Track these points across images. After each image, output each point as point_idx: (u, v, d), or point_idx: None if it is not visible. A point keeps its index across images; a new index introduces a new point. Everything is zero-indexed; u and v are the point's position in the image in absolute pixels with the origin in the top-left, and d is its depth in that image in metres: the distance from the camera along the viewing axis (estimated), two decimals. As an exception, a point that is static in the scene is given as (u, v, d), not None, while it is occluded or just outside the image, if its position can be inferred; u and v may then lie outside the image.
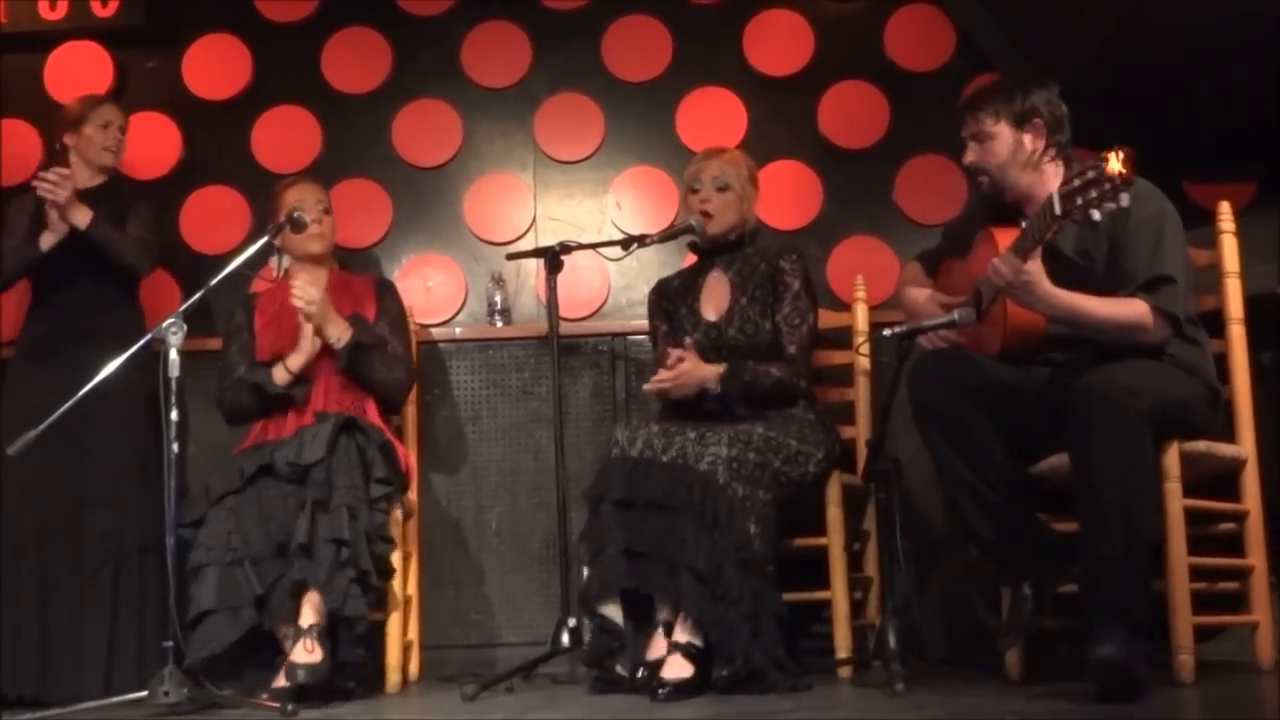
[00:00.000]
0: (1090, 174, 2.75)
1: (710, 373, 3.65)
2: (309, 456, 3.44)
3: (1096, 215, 2.76)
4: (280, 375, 3.77)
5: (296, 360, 3.77)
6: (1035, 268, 2.98)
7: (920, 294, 3.52)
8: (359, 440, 3.49)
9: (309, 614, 3.36)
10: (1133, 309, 3.06)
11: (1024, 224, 2.98)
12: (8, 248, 4.02)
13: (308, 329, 3.76)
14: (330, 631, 3.39)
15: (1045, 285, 2.99)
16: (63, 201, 3.84)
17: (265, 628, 3.43)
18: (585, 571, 3.51)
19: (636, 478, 3.39)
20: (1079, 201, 2.77)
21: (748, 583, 3.25)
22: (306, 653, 3.31)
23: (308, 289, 3.70)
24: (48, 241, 3.92)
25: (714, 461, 3.34)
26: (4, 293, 4.14)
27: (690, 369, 3.65)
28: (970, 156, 3.31)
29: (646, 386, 3.71)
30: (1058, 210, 2.81)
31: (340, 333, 3.76)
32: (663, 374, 3.67)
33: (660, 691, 3.17)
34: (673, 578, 3.27)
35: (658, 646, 3.33)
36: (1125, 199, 2.73)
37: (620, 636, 3.42)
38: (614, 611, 3.41)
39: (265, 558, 3.42)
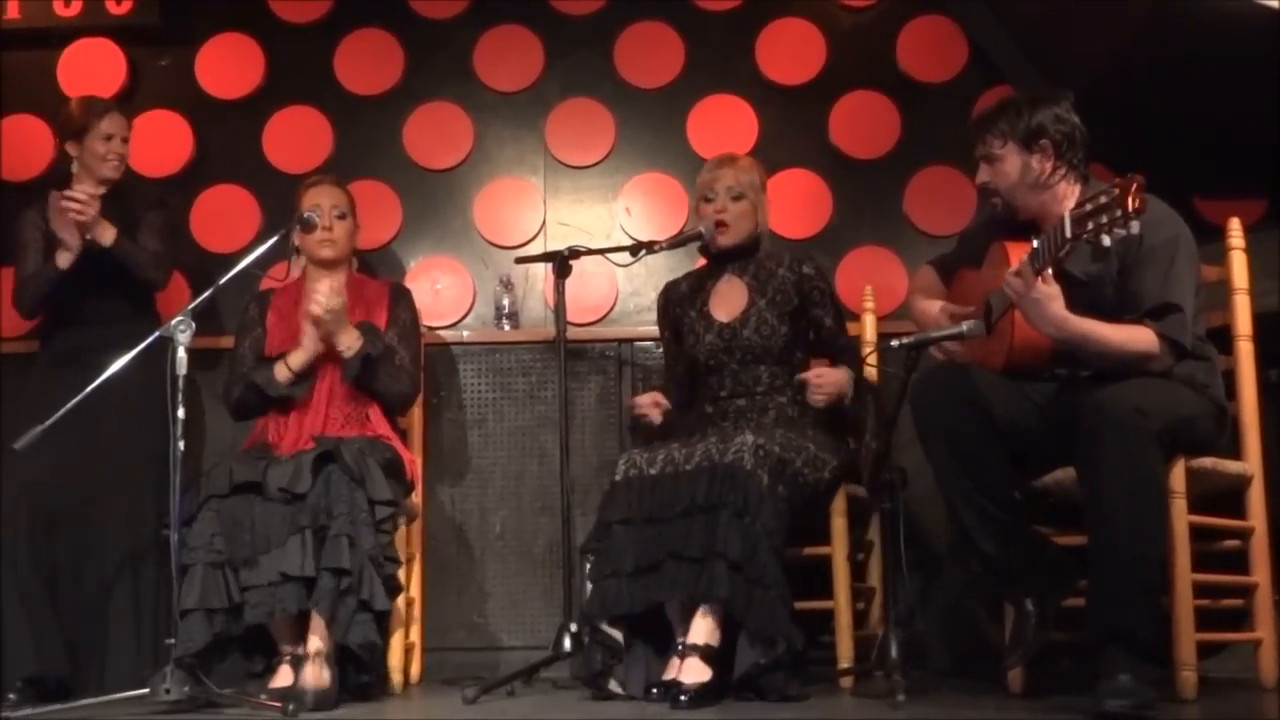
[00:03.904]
0: (1103, 199, 2.75)
1: (845, 380, 3.69)
2: (301, 486, 3.42)
3: (1107, 241, 2.76)
4: (281, 373, 3.75)
5: (298, 359, 3.75)
6: (1053, 290, 2.96)
7: (931, 305, 3.50)
8: (348, 465, 3.44)
9: (316, 639, 3.36)
10: (1141, 337, 3.03)
11: (1035, 243, 2.96)
12: (32, 272, 4.01)
13: (311, 329, 3.73)
14: (338, 654, 3.39)
15: (1057, 307, 2.97)
16: (89, 221, 3.85)
17: (230, 634, 3.42)
18: (588, 587, 3.50)
19: (660, 494, 3.39)
20: (1090, 226, 2.77)
21: (779, 569, 3.24)
22: (314, 678, 3.31)
23: (331, 299, 3.64)
24: (66, 260, 3.90)
25: (740, 449, 3.33)
26: (33, 317, 4.14)
27: (828, 375, 3.68)
28: (982, 177, 3.29)
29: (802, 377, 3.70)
30: (1069, 233, 2.81)
31: (351, 342, 3.73)
32: (812, 376, 3.68)
33: (682, 698, 3.16)
34: (704, 569, 3.25)
35: (674, 668, 3.31)
36: (1135, 226, 2.73)
37: (616, 653, 3.41)
38: (612, 629, 3.41)
39: (242, 565, 3.42)
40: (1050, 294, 2.96)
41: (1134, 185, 2.70)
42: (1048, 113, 3.19)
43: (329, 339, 3.72)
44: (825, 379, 3.67)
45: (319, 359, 3.77)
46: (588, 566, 3.70)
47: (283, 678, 3.43)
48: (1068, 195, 3.19)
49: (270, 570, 3.40)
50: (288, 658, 3.46)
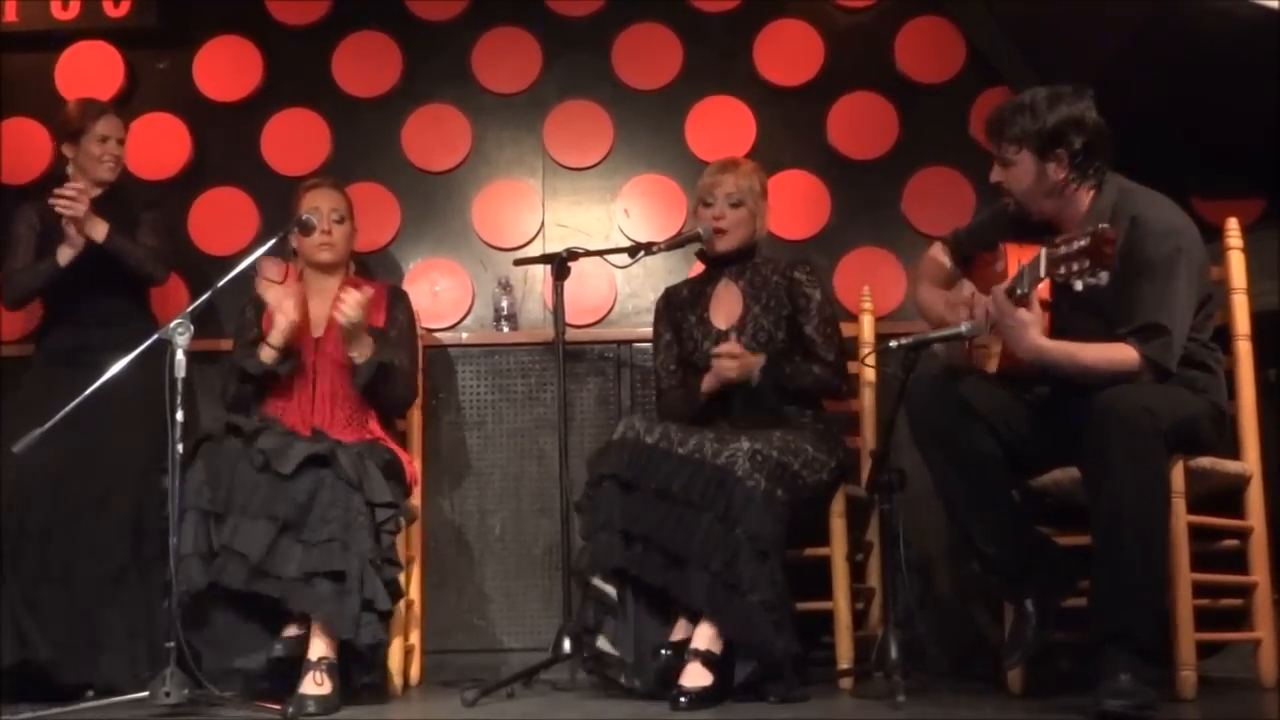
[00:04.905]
0: (1077, 245, 2.76)
1: (753, 361, 3.65)
2: (284, 467, 3.40)
3: (1078, 285, 2.77)
4: (266, 353, 3.76)
5: (276, 337, 3.75)
6: (1029, 317, 2.95)
7: (935, 298, 3.45)
8: (345, 470, 3.43)
9: (319, 645, 3.36)
10: (1121, 357, 3.01)
11: (1019, 267, 2.95)
12: (23, 265, 4.01)
13: (286, 310, 3.71)
14: (340, 657, 3.39)
15: (1033, 334, 2.97)
16: (80, 216, 3.85)
17: (212, 579, 3.40)
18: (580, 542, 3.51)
19: (650, 463, 3.40)
20: (1061, 269, 2.79)
21: (764, 574, 3.24)
22: (316, 685, 3.30)
23: (356, 309, 3.64)
24: (66, 256, 3.91)
25: (734, 455, 3.33)
26: (19, 309, 4.14)
27: (742, 353, 3.64)
28: (996, 177, 3.25)
29: (715, 350, 3.65)
30: (1042, 273, 2.83)
31: (365, 351, 3.73)
32: (726, 348, 3.64)
33: (681, 700, 3.17)
34: (682, 575, 3.26)
35: (681, 629, 3.33)
36: (1105, 277, 2.74)
37: (610, 608, 3.42)
38: (605, 584, 3.42)
39: (220, 514, 3.42)
40: (1025, 321, 2.95)
41: (1106, 239, 2.71)
42: (1068, 117, 3.10)
43: (345, 344, 3.73)
44: (728, 360, 3.63)
45: (318, 368, 3.76)
46: (578, 520, 3.69)
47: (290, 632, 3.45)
48: (1083, 201, 3.16)
49: (237, 537, 3.38)
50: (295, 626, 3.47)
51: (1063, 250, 2.79)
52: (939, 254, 3.56)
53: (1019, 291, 2.94)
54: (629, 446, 3.46)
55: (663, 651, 3.33)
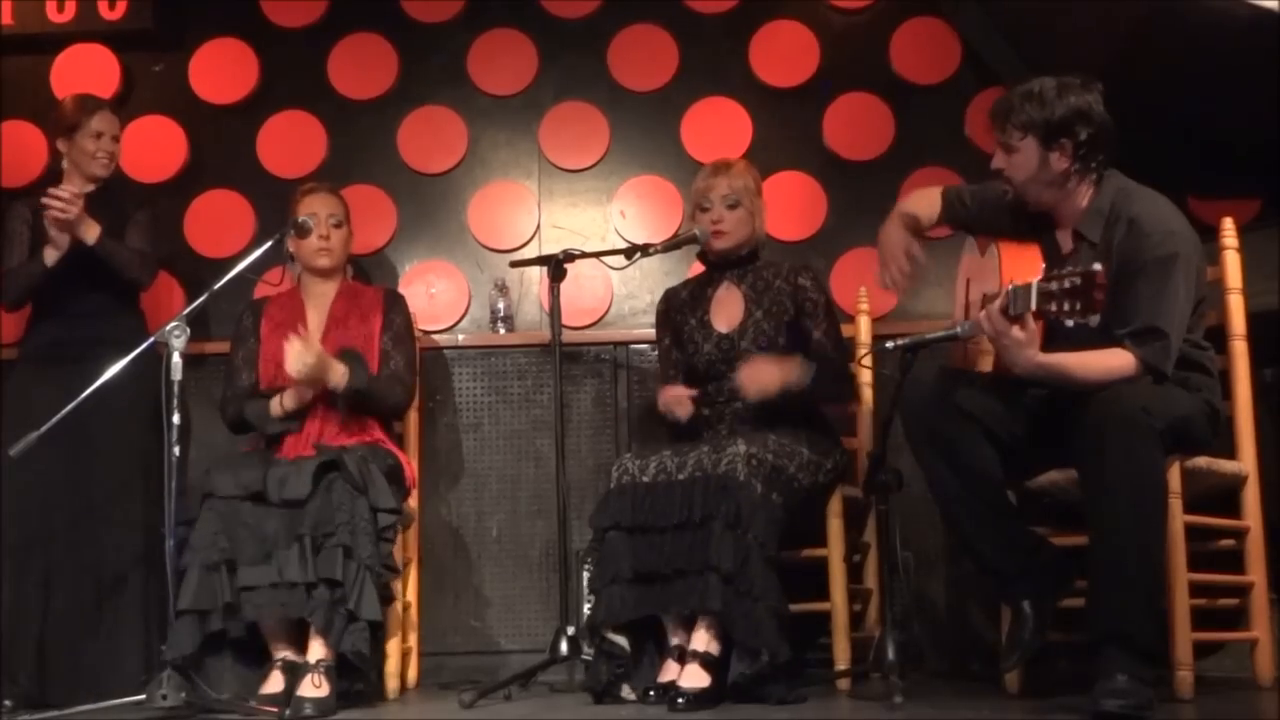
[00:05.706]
0: (1069, 283, 2.74)
1: (784, 373, 3.58)
2: (299, 492, 3.42)
3: (1069, 323, 2.75)
4: (275, 409, 3.78)
5: (290, 401, 3.76)
6: (1025, 336, 2.92)
7: (897, 245, 3.39)
8: (351, 474, 3.45)
9: (317, 648, 3.36)
10: (1117, 364, 3.00)
11: (1011, 287, 2.91)
12: (14, 266, 4.01)
13: (302, 394, 3.72)
14: (337, 664, 3.39)
15: (1029, 353, 2.94)
16: (73, 220, 3.85)
17: (229, 634, 3.42)
18: (587, 594, 3.49)
19: (654, 501, 3.39)
20: (1052, 306, 2.77)
21: (772, 579, 3.24)
22: (314, 688, 3.30)
23: (303, 357, 3.64)
24: (51, 257, 3.90)
25: (732, 460, 3.33)
26: (16, 310, 4.13)
27: (757, 368, 3.58)
28: (997, 163, 3.22)
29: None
30: (1034, 305, 2.81)
31: (338, 380, 3.73)
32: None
33: (679, 701, 3.17)
34: (699, 582, 3.25)
35: (669, 670, 3.32)
36: (1095, 320, 2.73)
37: (624, 661, 3.42)
38: (619, 637, 3.41)
39: (246, 563, 3.41)
40: (1020, 340, 2.92)
41: (1097, 283, 2.69)
42: (1076, 107, 3.08)
43: (318, 383, 3.72)
44: (751, 378, 3.58)
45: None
46: (585, 574, 3.70)
47: (274, 683, 3.43)
48: (1082, 196, 3.16)
49: (272, 573, 3.39)
50: (279, 663, 3.46)
51: (1054, 287, 2.76)
52: (930, 203, 3.49)
53: (1012, 312, 2.93)
54: (628, 492, 3.44)
55: (650, 693, 3.33)
